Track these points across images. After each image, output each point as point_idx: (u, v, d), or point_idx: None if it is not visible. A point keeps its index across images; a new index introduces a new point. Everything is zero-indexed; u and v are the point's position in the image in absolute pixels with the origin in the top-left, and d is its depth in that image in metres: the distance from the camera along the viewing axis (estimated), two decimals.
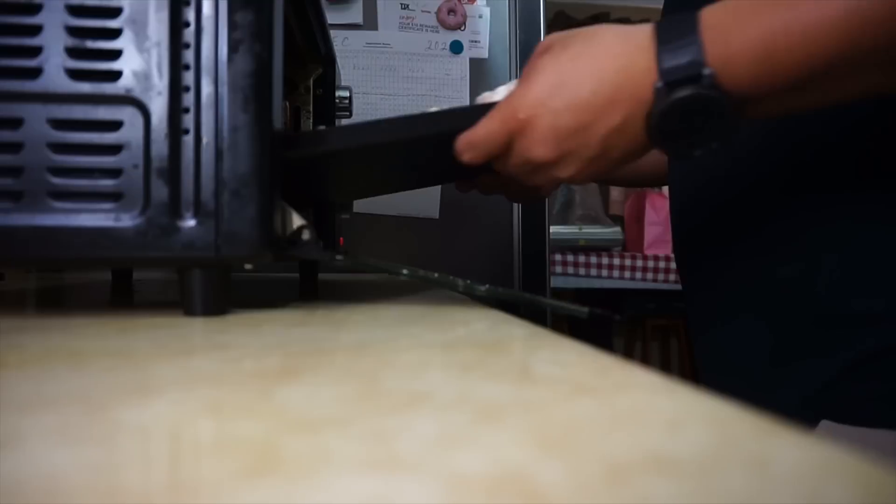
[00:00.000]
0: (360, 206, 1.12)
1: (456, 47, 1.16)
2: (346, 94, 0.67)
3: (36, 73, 0.36)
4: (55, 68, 0.36)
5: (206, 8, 0.37)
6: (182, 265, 0.38)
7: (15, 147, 0.36)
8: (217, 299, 0.38)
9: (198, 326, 0.34)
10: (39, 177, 0.36)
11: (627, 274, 2.23)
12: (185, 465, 0.13)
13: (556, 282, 2.07)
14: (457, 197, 1.15)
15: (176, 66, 0.37)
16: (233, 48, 0.37)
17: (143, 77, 0.37)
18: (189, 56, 0.37)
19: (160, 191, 0.36)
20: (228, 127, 0.37)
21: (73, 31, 0.36)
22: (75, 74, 0.36)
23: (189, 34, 0.37)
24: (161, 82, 0.37)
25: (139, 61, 0.37)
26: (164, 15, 0.37)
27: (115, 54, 0.36)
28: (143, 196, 0.36)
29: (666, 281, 2.25)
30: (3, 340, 0.29)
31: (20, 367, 0.23)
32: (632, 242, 2.42)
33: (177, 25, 0.37)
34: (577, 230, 2.23)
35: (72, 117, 0.36)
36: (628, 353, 2.78)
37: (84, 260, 0.37)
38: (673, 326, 2.74)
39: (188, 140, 0.37)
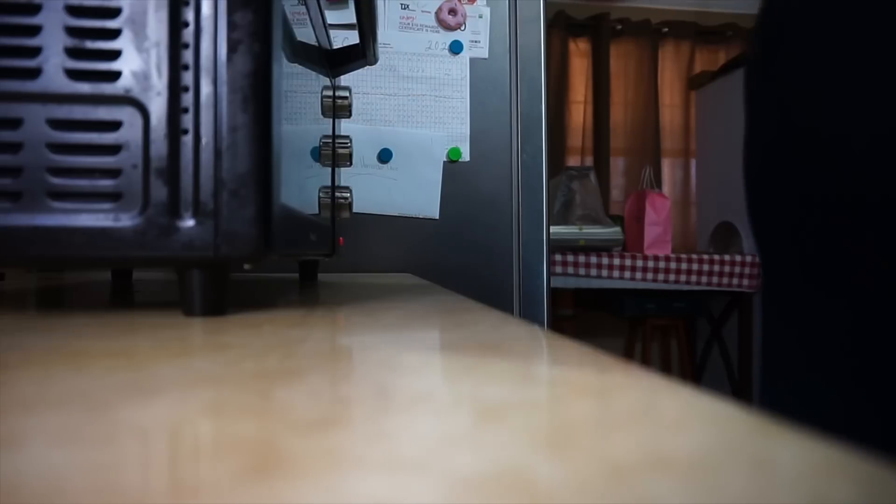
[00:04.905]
0: (360, 206, 1.12)
1: (456, 47, 1.16)
2: (346, 94, 0.67)
3: (35, 73, 0.36)
4: (54, 68, 0.36)
5: (206, 8, 0.37)
6: (181, 265, 0.38)
7: (14, 147, 0.36)
8: (216, 299, 0.38)
9: (197, 327, 0.34)
10: (38, 177, 0.36)
11: (627, 274, 2.23)
12: (186, 465, 0.13)
13: (556, 282, 2.08)
14: (457, 197, 1.15)
15: (175, 67, 0.37)
16: (232, 48, 0.37)
17: (143, 77, 0.37)
18: (188, 56, 0.37)
19: (159, 191, 0.36)
20: (227, 127, 0.37)
21: (72, 32, 0.36)
22: (74, 75, 0.36)
23: (188, 34, 0.37)
24: (160, 82, 0.37)
25: (138, 61, 0.37)
26: (164, 15, 0.37)
27: (115, 54, 0.37)
28: (143, 196, 0.36)
29: (666, 281, 2.25)
30: (4, 340, 0.29)
31: (20, 368, 0.23)
32: (632, 242, 2.42)
33: (176, 25, 0.37)
34: (577, 230, 2.23)
35: (71, 117, 0.36)
36: (628, 353, 2.78)
37: (83, 260, 0.37)
38: (673, 326, 2.74)
39: (187, 140, 0.37)
